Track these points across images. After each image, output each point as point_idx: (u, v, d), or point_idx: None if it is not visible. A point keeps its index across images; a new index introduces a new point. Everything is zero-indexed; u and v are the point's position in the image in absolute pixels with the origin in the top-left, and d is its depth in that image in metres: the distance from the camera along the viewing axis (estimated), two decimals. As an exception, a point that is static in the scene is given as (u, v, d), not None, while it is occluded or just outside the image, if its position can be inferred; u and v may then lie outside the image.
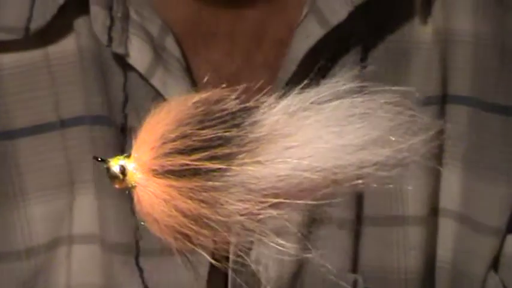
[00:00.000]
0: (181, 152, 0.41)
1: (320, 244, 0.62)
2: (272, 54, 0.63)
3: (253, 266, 0.61)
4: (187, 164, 0.41)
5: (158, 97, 0.60)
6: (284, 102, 0.42)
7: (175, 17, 0.62)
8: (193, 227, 0.41)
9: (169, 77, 0.60)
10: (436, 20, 0.64)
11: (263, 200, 0.40)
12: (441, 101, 0.65)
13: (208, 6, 0.62)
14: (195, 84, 0.61)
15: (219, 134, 0.41)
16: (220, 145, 0.41)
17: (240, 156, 0.41)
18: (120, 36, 0.59)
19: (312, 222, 0.62)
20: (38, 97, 0.63)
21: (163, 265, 0.63)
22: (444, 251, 0.67)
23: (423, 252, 0.66)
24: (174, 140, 0.41)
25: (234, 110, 0.42)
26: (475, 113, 0.65)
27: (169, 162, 0.41)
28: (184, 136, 0.41)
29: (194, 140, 0.41)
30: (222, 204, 0.41)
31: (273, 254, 0.62)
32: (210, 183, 0.41)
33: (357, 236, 0.65)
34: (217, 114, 0.42)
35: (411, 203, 0.65)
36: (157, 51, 0.60)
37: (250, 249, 0.57)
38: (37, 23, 0.61)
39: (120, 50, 0.60)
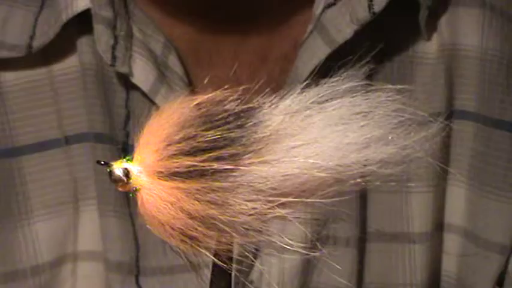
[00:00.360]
0: (186, 153, 0.41)
1: (325, 262, 0.62)
2: (277, 70, 0.63)
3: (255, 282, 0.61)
4: (193, 166, 0.41)
5: None
6: (286, 102, 0.42)
7: (179, 35, 0.62)
8: (200, 229, 0.41)
9: (172, 95, 0.60)
10: (442, 35, 0.64)
11: (271, 199, 0.40)
12: (447, 116, 0.65)
13: (211, 24, 0.62)
14: None
15: (224, 135, 0.41)
16: (225, 146, 0.41)
17: (246, 156, 0.41)
18: (123, 55, 0.59)
19: (317, 239, 0.62)
20: (42, 114, 0.63)
21: (163, 285, 0.63)
22: (449, 266, 0.67)
23: (428, 268, 0.66)
24: (178, 142, 0.41)
25: (236, 111, 0.42)
26: (480, 129, 0.65)
27: (174, 164, 0.41)
28: (189, 138, 0.41)
29: (199, 142, 0.41)
30: (230, 205, 0.40)
31: (275, 277, 0.62)
32: (217, 183, 0.40)
33: (361, 253, 0.65)
34: (220, 116, 0.42)
35: (416, 219, 0.65)
36: (161, 70, 0.60)
37: (254, 257, 0.58)
38: (40, 41, 0.61)
39: (124, 70, 0.59)
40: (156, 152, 0.42)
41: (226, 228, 0.41)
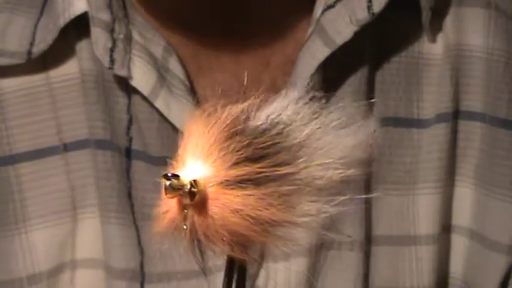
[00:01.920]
0: (249, 161, 0.41)
1: (330, 266, 0.61)
2: (280, 73, 0.62)
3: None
4: (262, 172, 0.41)
5: (163, 119, 0.60)
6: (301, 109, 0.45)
7: (179, 39, 0.62)
8: (273, 233, 0.42)
9: (173, 98, 0.60)
10: (447, 35, 0.64)
11: (330, 198, 0.43)
12: (453, 117, 0.64)
13: (210, 32, 0.62)
14: (199, 105, 0.58)
15: (274, 142, 0.43)
16: (278, 152, 0.42)
17: (301, 160, 0.43)
18: (122, 58, 0.59)
19: (322, 244, 0.61)
20: (40, 121, 0.62)
21: None
22: (456, 268, 0.67)
23: (436, 270, 0.65)
24: (237, 150, 0.41)
25: (265, 119, 0.44)
26: (487, 130, 0.64)
27: (241, 172, 0.41)
28: (244, 146, 0.42)
29: (256, 149, 0.42)
30: (299, 206, 0.42)
31: (281, 283, 0.60)
32: (288, 187, 0.42)
33: (367, 257, 0.64)
34: (256, 124, 0.43)
35: (423, 221, 0.64)
36: (161, 73, 0.60)
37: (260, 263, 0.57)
38: (39, 47, 0.61)
39: (122, 73, 0.59)
40: (214, 163, 0.41)
41: (299, 229, 0.42)
